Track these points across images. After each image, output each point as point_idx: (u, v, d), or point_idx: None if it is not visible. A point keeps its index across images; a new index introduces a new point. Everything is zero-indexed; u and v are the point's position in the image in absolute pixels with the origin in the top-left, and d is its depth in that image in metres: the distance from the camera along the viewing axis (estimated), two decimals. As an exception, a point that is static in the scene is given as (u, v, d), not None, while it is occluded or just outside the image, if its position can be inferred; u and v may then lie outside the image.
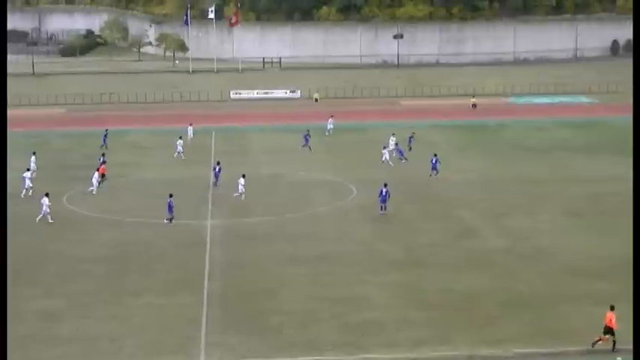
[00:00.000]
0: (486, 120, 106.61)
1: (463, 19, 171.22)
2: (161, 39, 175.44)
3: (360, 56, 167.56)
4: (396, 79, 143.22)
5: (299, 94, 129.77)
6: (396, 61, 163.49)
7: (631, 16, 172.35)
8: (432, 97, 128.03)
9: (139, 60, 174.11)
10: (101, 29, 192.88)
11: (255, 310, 45.48)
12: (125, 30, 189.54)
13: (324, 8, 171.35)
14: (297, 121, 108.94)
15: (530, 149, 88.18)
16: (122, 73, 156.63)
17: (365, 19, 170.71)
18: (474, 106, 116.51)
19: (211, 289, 48.67)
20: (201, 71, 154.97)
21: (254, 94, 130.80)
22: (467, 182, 73.39)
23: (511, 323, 43.39)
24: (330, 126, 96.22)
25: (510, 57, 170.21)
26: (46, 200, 61.82)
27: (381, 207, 63.05)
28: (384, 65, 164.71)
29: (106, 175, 73.25)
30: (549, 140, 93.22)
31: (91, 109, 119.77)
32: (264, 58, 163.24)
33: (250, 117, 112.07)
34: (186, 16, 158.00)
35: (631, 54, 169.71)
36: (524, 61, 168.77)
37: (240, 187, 67.79)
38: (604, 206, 65.67)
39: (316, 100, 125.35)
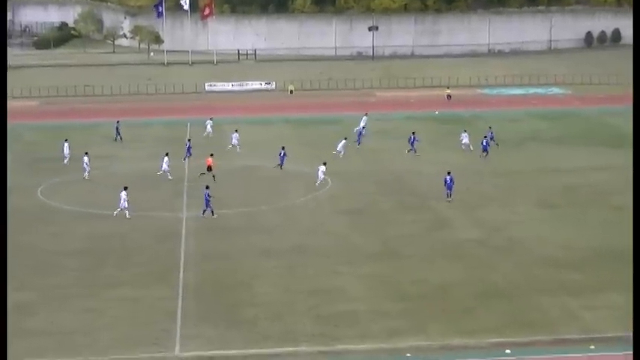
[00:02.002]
0: (461, 111, 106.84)
1: (438, 10, 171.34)
2: (135, 31, 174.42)
3: (335, 48, 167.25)
4: (371, 70, 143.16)
5: (274, 85, 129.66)
6: (371, 53, 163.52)
7: (605, 8, 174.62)
8: (407, 88, 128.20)
9: (114, 52, 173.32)
10: (75, 21, 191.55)
11: (231, 302, 45.51)
12: (99, 22, 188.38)
13: (299, 0, 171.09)
14: (272, 113, 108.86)
15: (504, 141, 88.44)
16: (96, 65, 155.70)
17: (340, 11, 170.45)
18: (449, 97, 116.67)
19: (186, 281, 48.66)
20: (176, 63, 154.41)
21: (229, 86, 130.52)
22: (442, 174, 73.43)
23: (485, 314, 43.61)
24: (362, 124, 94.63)
25: (485, 49, 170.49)
26: (124, 194, 60.99)
27: (448, 194, 63.85)
28: (359, 57, 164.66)
29: (212, 168, 71.68)
30: (523, 131, 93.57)
31: (65, 102, 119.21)
32: (238, 50, 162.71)
33: (225, 109, 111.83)
34: (160, 7, 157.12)
35: (604, 46, 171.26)
36: (499, 53, 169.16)
37: (320, 174, 68.73)
38: (578, 197, 66.00)
39: (291, 92, 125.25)
